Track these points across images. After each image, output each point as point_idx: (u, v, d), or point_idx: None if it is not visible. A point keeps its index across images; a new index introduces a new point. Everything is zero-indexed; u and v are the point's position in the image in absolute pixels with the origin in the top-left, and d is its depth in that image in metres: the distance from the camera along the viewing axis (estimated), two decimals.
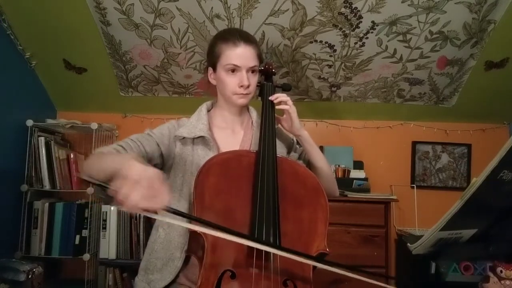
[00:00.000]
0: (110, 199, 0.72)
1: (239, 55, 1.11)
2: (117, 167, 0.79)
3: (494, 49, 2.11)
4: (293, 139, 1.31)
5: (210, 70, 1.20)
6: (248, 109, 1.28)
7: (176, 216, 0.82)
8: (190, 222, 0.90)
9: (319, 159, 1.22)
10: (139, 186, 0.72)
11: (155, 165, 1.11)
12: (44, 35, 2.21)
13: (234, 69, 1.12)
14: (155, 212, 0.78)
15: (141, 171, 0.74)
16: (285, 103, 1.17)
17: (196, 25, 2.06)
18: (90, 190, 2.32)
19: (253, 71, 1.14)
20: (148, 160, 1.08)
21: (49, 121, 2.51)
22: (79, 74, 2.44)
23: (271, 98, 1.18)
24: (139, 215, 2.35)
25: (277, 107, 1.18)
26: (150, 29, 2.09)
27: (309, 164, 1.24)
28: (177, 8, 1.96)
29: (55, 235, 2.32)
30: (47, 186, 2.34)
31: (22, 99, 2.38)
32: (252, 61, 1.13)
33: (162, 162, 1.14)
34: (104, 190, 0.73)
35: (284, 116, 1.20)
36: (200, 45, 2.18)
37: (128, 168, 0.75)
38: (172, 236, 1.10)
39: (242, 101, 1.15)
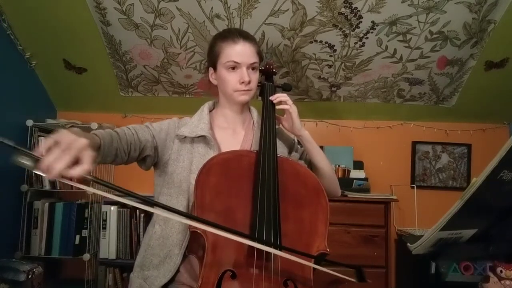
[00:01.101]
0: (33, 165, 0.69)
1: (239, 52, 1.12)
2: None
3: (494, 49, 2.12)
4: (294, 139, 1.31)
5: (211, 70, 1.20)
6: (249, 109, 1.28)
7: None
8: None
9: (321, 159, 1.21)
10: (59, 151, 0.71)
11: (147, 156, 1.12)
12: (44, 35, 2.21)
13: (234, 66, 1.12)
14: (84, 183, 0.75)
15: (70, 139, 0.73)
16: (285, 102, 1.16)
17: (196, 25, 2.06)
18: (90, 190, 2.31)
19: (253, 68, 1.14)
20: (141, 149, 1.09)
21: (49, 121, 2.51)
22: (79, 74, 2.44)
23: (271, 98, 1.18)
24: (139, 215, 2.35)
25: (277, 107, 1.18)
26: (150, 29, 2.09)
27: (311, 164, 1.24)
28: (177, 8, 1.96)
29: (55, 235, 2.33)
30: (47, 186, 2.34)
31: (22, 99, 2.38)
32: (252, 58, 1.13)
33: (156, 156, 1.15)
34: (28, 156, 0.70)
35: (285, 116, 1.20)
36: (200, 45, 2.18)
37: (59, 136, 0.73)
38: (169, 233, 1.09)
39: (243, 98, 1.15)
